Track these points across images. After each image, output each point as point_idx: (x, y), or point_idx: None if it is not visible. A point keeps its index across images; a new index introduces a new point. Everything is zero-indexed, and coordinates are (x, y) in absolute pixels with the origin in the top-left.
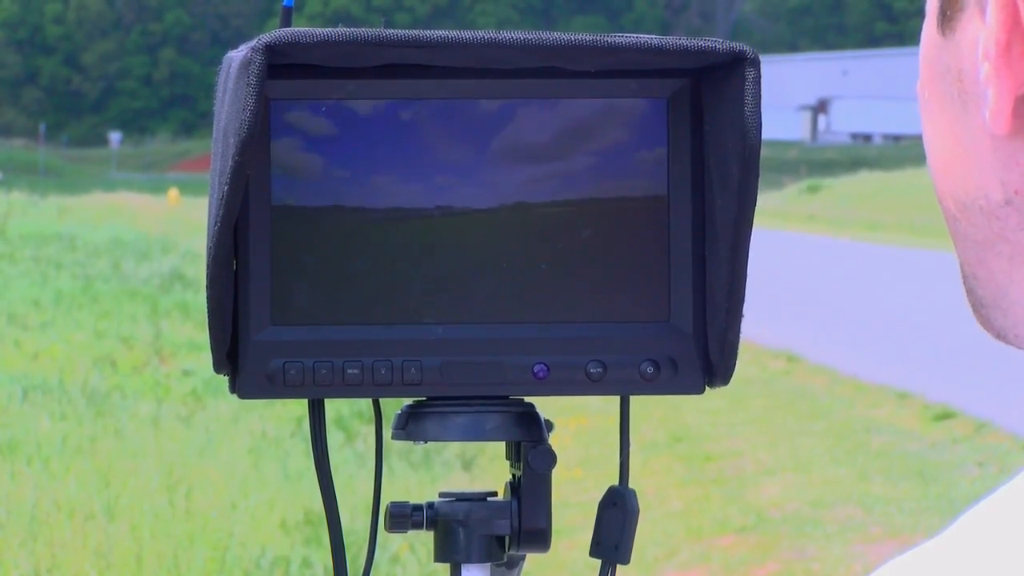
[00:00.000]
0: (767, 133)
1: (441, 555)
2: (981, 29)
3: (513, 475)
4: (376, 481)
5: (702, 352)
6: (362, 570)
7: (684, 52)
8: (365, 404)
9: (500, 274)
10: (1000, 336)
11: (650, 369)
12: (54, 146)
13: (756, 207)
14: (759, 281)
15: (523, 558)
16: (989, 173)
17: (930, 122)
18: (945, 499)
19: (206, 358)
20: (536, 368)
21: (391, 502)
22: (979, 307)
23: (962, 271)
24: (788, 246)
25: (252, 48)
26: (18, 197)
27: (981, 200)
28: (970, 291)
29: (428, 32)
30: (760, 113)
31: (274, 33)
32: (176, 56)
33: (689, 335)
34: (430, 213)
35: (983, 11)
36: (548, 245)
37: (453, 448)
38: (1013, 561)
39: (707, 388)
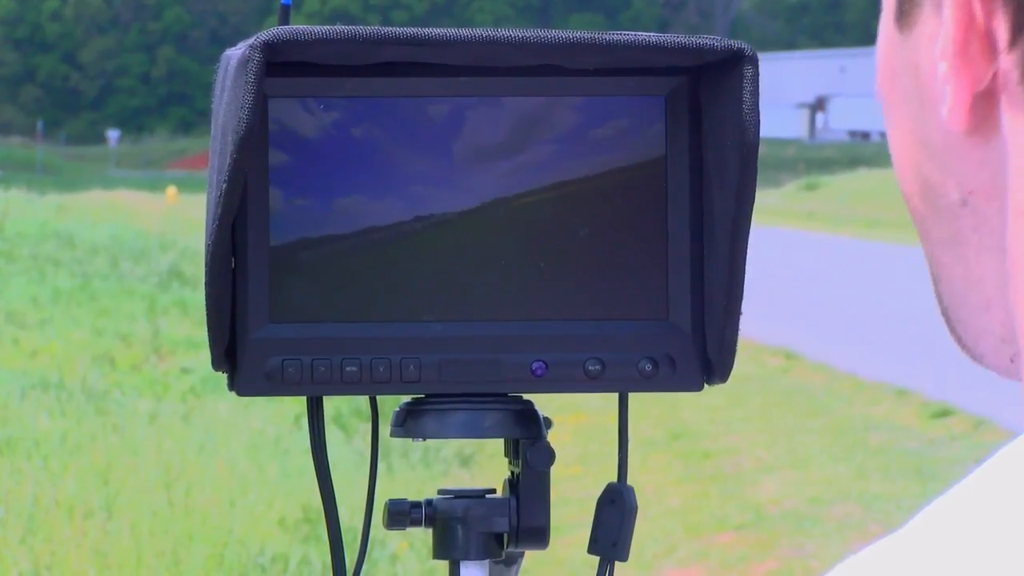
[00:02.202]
0: (765, 131)
1: (440, 552)
2: (938, 26)
3: (512, 472)
4: (371, 478)
5: (700, 349)
6: (354, 566)
7: (682, 50)
8: (364, 402)
9: (499, 271)
10: (967, 350)
11: (648, 366)
12: (52, 144)
13: (754, 204)
14: (757, 279)
15: (522, 555)
16: (947, 172)
17: (891, 122)
18: None
19: (205, 356)
20: (534, 365)
21: (389, 499)
22: (946, 316)
23: (930, 272)
24: (786, 244)
25: (250, 46)
26: (16, 195)
27: (942, 199)
28: (937, 293)
29: (426, 30)
30: (758, 111)
31: (272, 31)
32: (174, 54)
33: (687, 333)
34: (429, 210)
35: (939, 8)
36: (546, 243)
37: (452, 445)
38: (965, 556)
39: (705, 385)
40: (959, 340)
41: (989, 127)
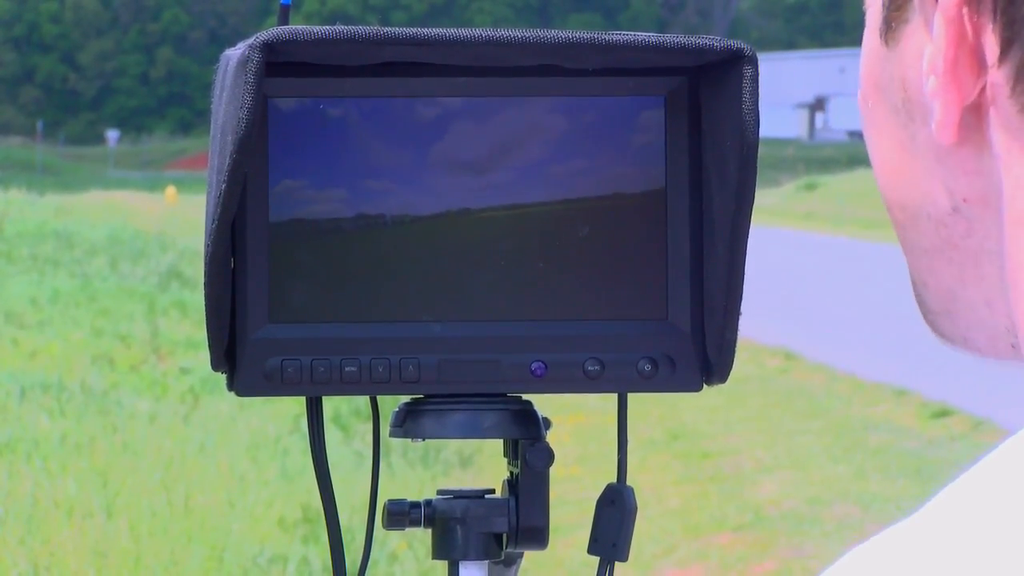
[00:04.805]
0: (764, 131)
1: (439, 553)
2: (926, 42)
3: (511, 473)
4: (373, 479)
5: (700, 350)
6: (358, 567)
7: (682, 50)
8: (363, 402)
9: (498, 272)
10: (950, 341)
11: (648, 367)
12: (51, 144)
13: (754, 205)
14: (756, 279)
15: (521, 555)
16: (936, 182)
17: (875, 132)
18: None
19: (204, 356)
20: (534, 366)
21: (389, 500)
22: (928, 314)
23: (912, 279)
24: (785, 244)
25: (250, 46)
26: (15, 195)
27: (929, 208)
28: (919, 298)
29: (425, 30)
30: (758, 111)
31: (272, 31)
32: (173, 54)
33: (687, 333)
34: (428, 210)
35: (928, 24)
36: (546, 243)
37: (452, 446)
38: (968, 549)
39: (705, 386)
40: (942, 334)
41: (979, 139)
